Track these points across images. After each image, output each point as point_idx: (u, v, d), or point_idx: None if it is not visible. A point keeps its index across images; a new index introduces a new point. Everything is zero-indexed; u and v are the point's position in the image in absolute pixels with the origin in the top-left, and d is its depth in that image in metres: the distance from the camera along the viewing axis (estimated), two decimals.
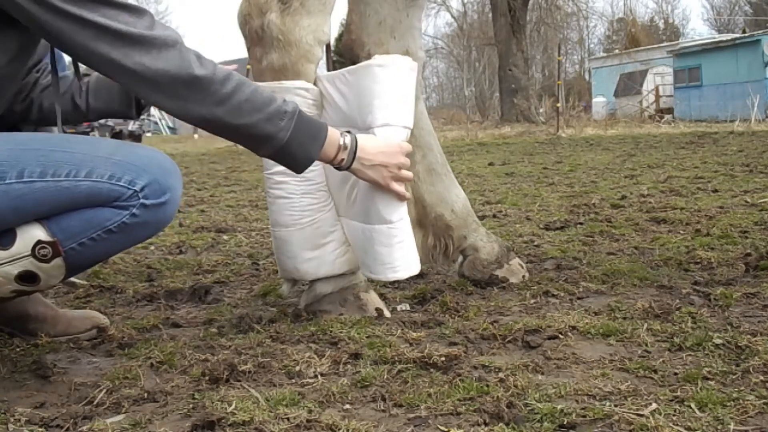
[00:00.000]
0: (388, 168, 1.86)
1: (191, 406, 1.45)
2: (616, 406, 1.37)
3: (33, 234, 1.54)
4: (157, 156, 1.65)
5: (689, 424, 1.29)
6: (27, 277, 1.56)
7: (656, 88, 24.66)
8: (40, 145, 1.58)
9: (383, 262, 1.97)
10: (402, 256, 1.95)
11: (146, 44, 1.53)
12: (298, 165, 1.76)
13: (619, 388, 1.46)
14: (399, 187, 1.89)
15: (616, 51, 33.37)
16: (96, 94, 1.96)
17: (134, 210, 1.58)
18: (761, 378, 1.48)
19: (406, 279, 2.58)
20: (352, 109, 1.97)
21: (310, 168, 2.03)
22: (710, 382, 1.47)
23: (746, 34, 22.81)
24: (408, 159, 1.92)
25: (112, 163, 1.57)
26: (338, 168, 1.83)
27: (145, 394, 1.52)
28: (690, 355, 1.66)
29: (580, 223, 3.70)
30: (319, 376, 1.60)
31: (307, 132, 1.72)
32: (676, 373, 1.54)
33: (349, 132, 1.83)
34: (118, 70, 1.54)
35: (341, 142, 1.79)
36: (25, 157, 1.53)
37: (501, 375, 1.54)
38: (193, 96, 1.58)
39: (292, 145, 1.70)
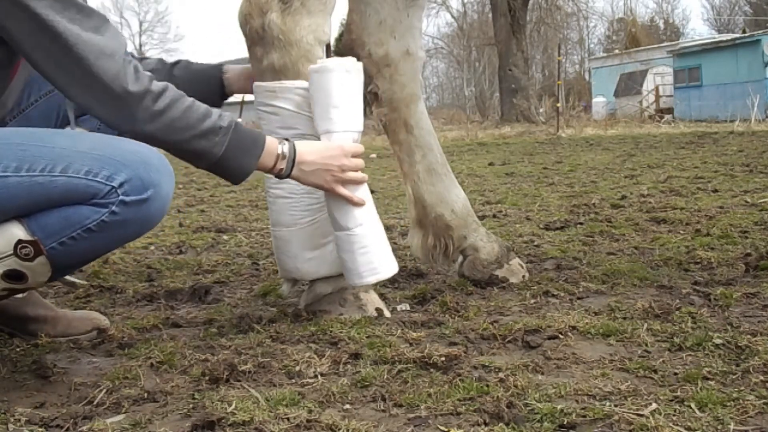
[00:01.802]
0: (330, 171, 1.86)
1: (191, 406, 1.45)
2: (616, 406, 1.37)
3: (13, 233, 1.51)
4: (141, 150, 1.59)
5: (689, 424, 1.29)
6: (14, 276, 1.54)
7: (656, 88, 24.65)
8: (21, 139, 1.54)
9: (348, 268, 1.99)
10: (366, 261, 1.96)
11: (85, 48, 1.51)
12: (234, 177, 1.76)
13: (619, 388, 1.46)
14: (346, 191, 1.89)
15: (616, 51, 33.35)
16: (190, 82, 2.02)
17: (113, 207, 1.52)
18: (761, 378, 1.48)
19: (406, 279, 2.60)
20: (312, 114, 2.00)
21: None
22: (710, 382, 1.47)
23: (746, 34, 22.81)
24: (356, 160, 1.91)
25: (90, 158, 1.52)
26: (278, 176, 1.83)
27: (145, 394, 1.52)
28: (690, 355, 1.66)
29: (580, 223, 3.70)
30: (319, 376, 1.60)
31: (242, 146, 1.72)
32: (676, 373, 1.54)
33: (288, 140, 1.84)
34: (54, 71, 1.53)
35: (279, 151, 1.79)
36: (3, 151, 1.50)
37: (501, 375, 1.54)
38: (123, 110, 1.57)
39: (228, 159, 1.70)
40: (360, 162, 1.93)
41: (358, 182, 1.92)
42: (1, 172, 1.49)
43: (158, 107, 1.59)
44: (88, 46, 1.52)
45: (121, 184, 1.52)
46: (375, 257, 1.96)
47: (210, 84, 2.12)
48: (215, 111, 1.71)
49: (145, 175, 1.55)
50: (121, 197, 1.52)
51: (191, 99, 1.67)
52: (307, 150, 1.84)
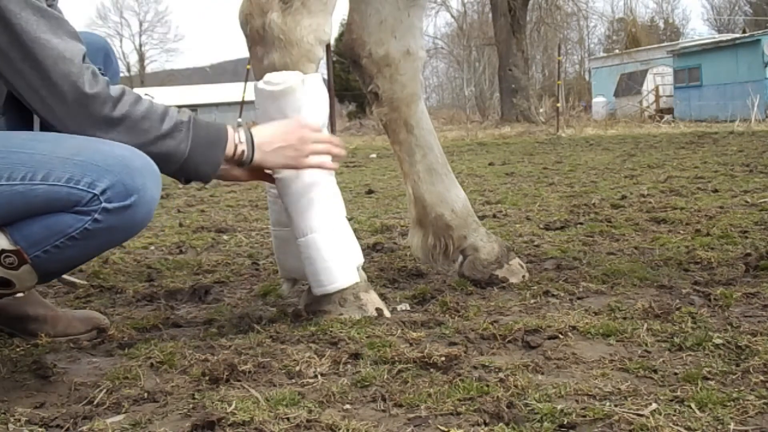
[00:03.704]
0: (291, 147, 1.81)
1: (191, 406, 1.45)
2: (616, 406, 1.37)
3: None
4: (124, 153, 1.54)
5: (689, 424, 1.28)
6: (0, 283, 1.53)
7: (656, 88, 24.67)
8: None
9: (307, 276, 2.02)
10: (312, 272, 1.98)
11: (43, 52, 1.48)
12: (204, 175, 1.71)
13: (619, 388, 1.46)
14: (314, 161, 1.85)
15: (616, 51, 33.39)
16: None
17: (96, 215, 1.48)
18: (761, 378, 1.48)
19: (406, 279, 2.60)
20: None
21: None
22: (710, 382, 1.47)
23: (746, 34, 22.82)
24: (318, 134, 1.86)
25: (72, 164, 1.48)
26: (241, 164, 1.78)
27: (145, 394, 1.52)
28: (690, 355, 1.66)
29: (580, 223, 3.70)
30: (319, 376, 1.60)
31: (206, 139, 1.67)
32: (676, 373, 1.54)
33: (239, 125, 1.79)
34: (12, 75, 1.51)
35: (237, 139, 1.74)
36: None
37: (501, 375, 1.54)
38: (81, 118, 1.53)
39: (195, 156, 1.65)
40: (323, 135, 1.87)
41: (324, 153, 1.87)
42: None
43: (117, 113, 1.55)
44: (46, 50, 1.49)
45: (103, 191, 1.48)
46: (321, 268, 1.97)
47: None
48: (172, 108, 1.65)
49: (128, 180, 1.50)
50: (103, 204, 1.49)
51: (148, 99, 1.62)
52: (263, 131, 1.79)
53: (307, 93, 1.95)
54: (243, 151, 1.75)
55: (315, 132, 1.87)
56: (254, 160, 1.78)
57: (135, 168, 1.53)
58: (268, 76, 1.94)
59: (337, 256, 1.98)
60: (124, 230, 1.55)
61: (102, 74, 1.62)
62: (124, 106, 1.56)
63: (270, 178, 1.97)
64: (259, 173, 1.97)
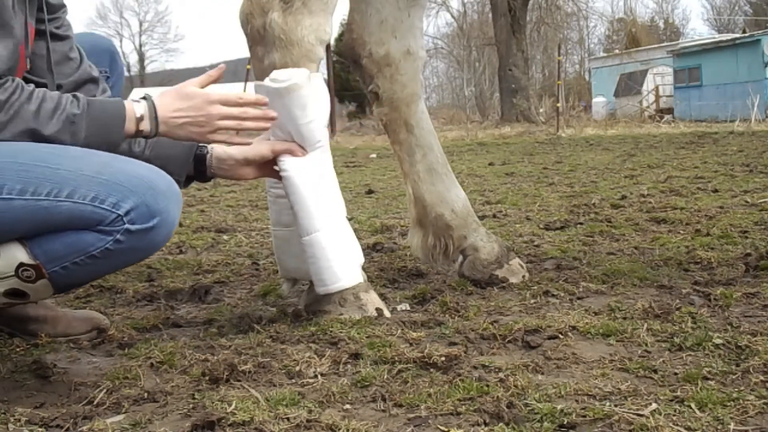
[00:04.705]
0: (198, 124, 1.73)
1: (191, 406, 1.45)
2: (616, 406, 1.37)
3: (15, 256, 1.49)
4: (149, 175, 1.55)
5: (689, 424, 1.29)
6: (15, 294, 1.53)
7: (656, 88, 24.66)
8: (25, 158, 1.50)
9: (311, 274, 2.02)
10: (315, 271, 1.98)
11: None
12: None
13: (619, 388, 1.46)
14: (223, 137, 1.79)
15: (616, 51, 33.38)
16: (156, 146, 1.86)
17: (118, 236, 1.49)
18: (761, 378, 1.48)
19: (406, 279, 2.60)
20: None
21: None
22: (710, 382, 1.47)
23: (746, 34, 22.80)
24: (226, 108, 1.77)
25: (97, 183, 1.49)
26: (147, 137, 1.73)
27: (145, 394, 1.52)
28: (690, 355, 1.66)
29: (580, 223, 3.70)
30: (319, 376, 1.60)
31: (102, 124, 1.62)
32: (676, 373, 1.54)
33: (145, 97, 1.72)
34: None
35: (138, 114, 1.67)
36: (6, 171, 1.47)
37: (501, 375, 1.54)
38: None
39: (93, 141, 1.60)
40: (232, 110, 1.78)
41: (231, 129, 1.81)
42: (5, 194, 1.46)
43: (4, 118, 1.52)
44: None
45: (127, 212, 1.49)
46: (322, 268, 1.97)
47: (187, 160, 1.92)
48: (64, 98, 1.60)
49: (152, 202, 1.52)
50: (126, 225, 1.50)
51: (41, 93, 1.58)
52: (167, 104, 1.71)
53: (313, 90, 1.95)
54: (145, 129, 1.69)
55: (224, 107, 1.77)
56: (159, 134, 1.72)
57: (159, 190, 1.54)
58: (274, 74, 1.94)
59: (341, 256, 1.98)
60: (143, 251, 1.57)
61: (107, 76, 1.60)
62: (10, 112, 1.53)
63: (276, 175, 1.98)
64: (267, 170, 1.98)
